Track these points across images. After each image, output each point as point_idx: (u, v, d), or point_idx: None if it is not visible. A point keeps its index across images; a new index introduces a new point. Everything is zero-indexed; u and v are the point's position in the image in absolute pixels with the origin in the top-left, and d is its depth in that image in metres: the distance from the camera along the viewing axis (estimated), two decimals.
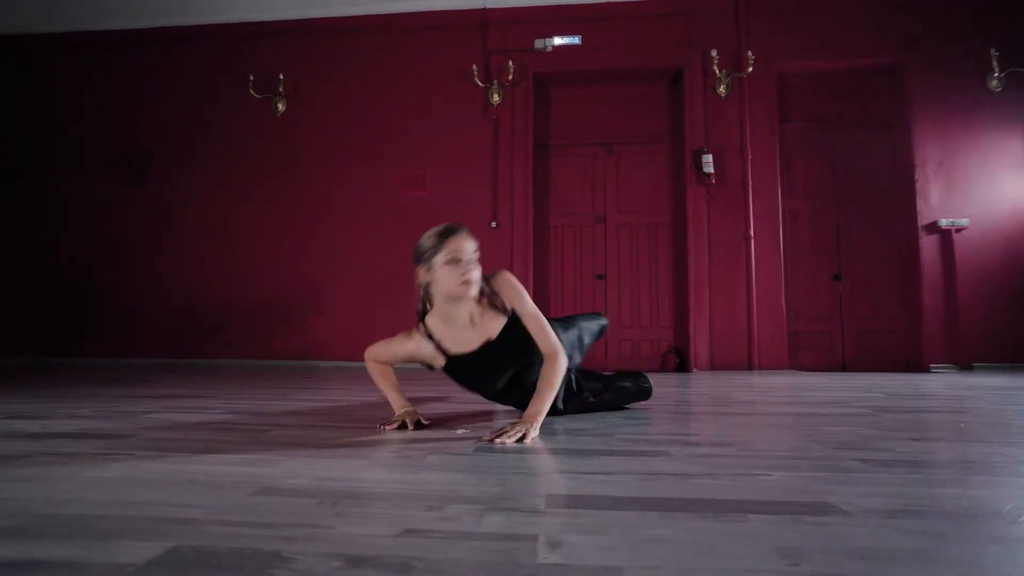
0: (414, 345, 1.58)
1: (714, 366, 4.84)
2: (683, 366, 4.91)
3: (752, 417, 1.76)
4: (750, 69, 4.96)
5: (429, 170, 5.31)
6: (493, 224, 5.16)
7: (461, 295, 1.46)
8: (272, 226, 5.33)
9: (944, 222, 4.73)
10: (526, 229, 5.14)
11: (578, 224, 5.34)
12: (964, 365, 4.60)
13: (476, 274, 1.44)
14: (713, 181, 4.94)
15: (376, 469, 1.04)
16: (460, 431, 1.43)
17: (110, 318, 5.36)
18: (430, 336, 1.56)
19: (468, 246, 1.47)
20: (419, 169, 5.31)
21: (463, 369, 1.56)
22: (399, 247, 5.21)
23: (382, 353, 1.65)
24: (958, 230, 4.73)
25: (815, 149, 5.15)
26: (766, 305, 4.86)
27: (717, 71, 5.01)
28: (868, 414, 1.79)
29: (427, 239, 1.49)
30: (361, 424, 1.59)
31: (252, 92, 5.34)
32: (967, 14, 4.94)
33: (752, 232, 4.92)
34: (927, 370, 4.60)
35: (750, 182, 4.96)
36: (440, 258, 1.44)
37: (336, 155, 5.38)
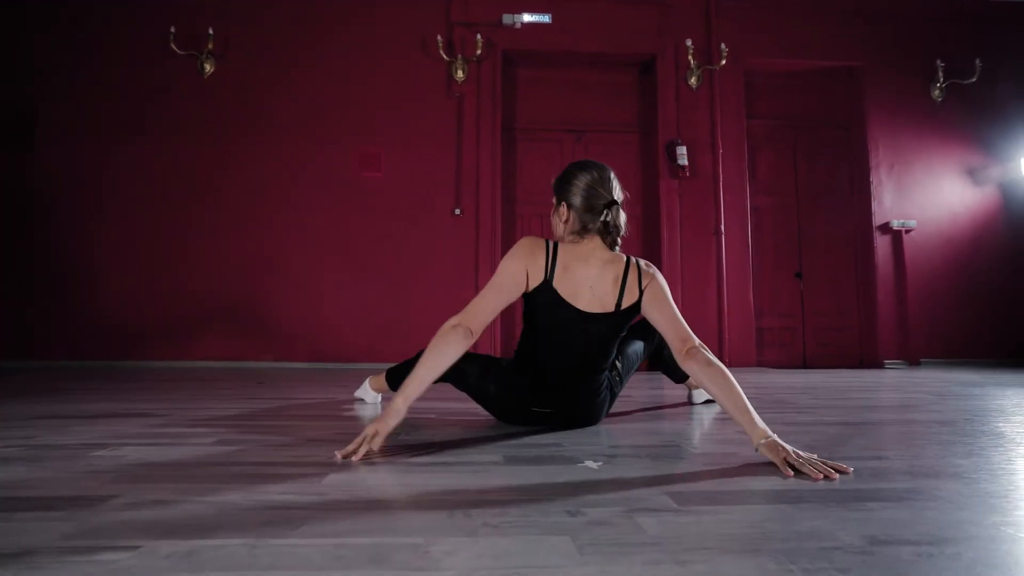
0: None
1: None
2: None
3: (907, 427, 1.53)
4: (723, 61, 4.88)
5: (386, 149, 4.77)
6: (457, 211, 4.73)
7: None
8: (193, 206, 4.54)
9: (895, 223, 4.92)
10: (493, 217, 4.76)
11: (546, 213, 5.03)
12: (913, 361, 4.81)
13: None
14: (687, 173, 4.82)
15: (602, 559, 0.65)
16: (590, 463, 1.06)
17: None
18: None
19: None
20: (375, 147, 4.76)
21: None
22: (351, 234, 4.64)
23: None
24: (907, 231, 4.94)
25: (779, 146, 5.19)
26: (735, 301, 4.82)
27: (691, 61, 4.89)
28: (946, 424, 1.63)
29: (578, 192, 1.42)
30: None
31: (173, 47, 4.53)
32: (918, 24, 5.17)
33: (723, 227, 4.86)
34: (881, 366, 4.77)
35: (720, 176, 4.89)
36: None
37: (275, 127, 4.68)
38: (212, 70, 4.62)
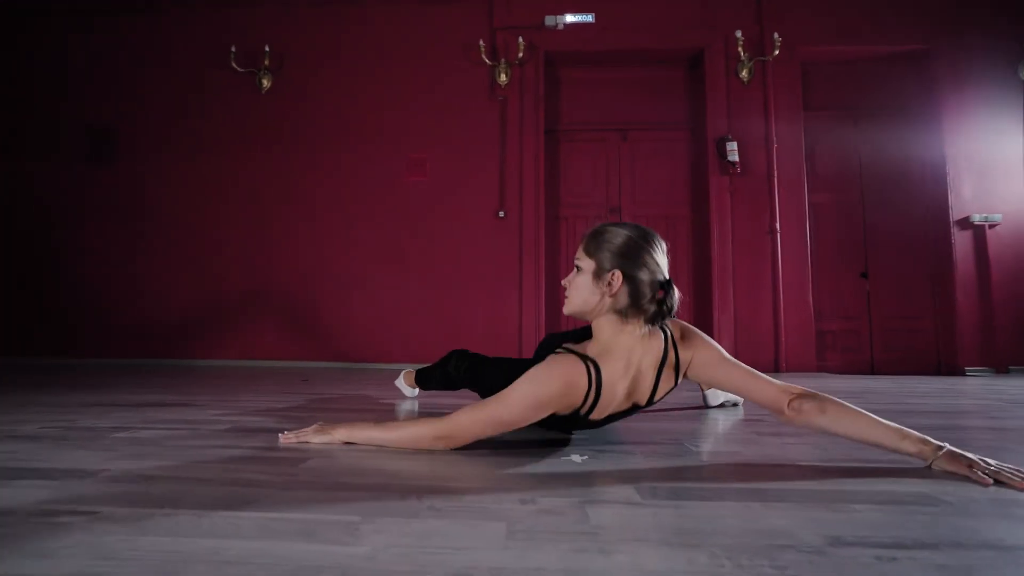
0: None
1: None
2: None
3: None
4: (776, 52, 4.65)
5: (430, 154, 4.87)
6: (500, 214, 4.76)
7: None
8: (255, 212, 4.83)
9: (977, 217, 4.50)
10: (536, 220, 4.75)
11: (591, 215, 4.98)
12: (1001, 368, 4.37)
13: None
14: (738, 170, 4.62)
15: (526, 545, 0.64)
16: (575, 457, 1.03)
17: (71, 313, 4.79)
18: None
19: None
20: (419, 152, 4.87)
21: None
22: (397, 236, 4.77)
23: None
24: (991, 226, 4.50)
25: (840, 139, 4.88)
26: (793, 303, 4.56)
27: (741, 53, 4.70)
28: None
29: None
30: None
31: (234, 65, 4.84)
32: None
33: (778, 226, 4.61)
34: (962, 373, 4.36)
35: (775, 173, 4.66)
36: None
37: (327, 136, 4.90)
38: (269, 85, 4.90)
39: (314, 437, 1.14)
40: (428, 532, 0.62)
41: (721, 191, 4.67)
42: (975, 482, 0.85)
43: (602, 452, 1.09)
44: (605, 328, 1.08)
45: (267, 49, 4.81)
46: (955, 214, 4.55)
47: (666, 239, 4.19)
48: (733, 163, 4.58)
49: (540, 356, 1.30)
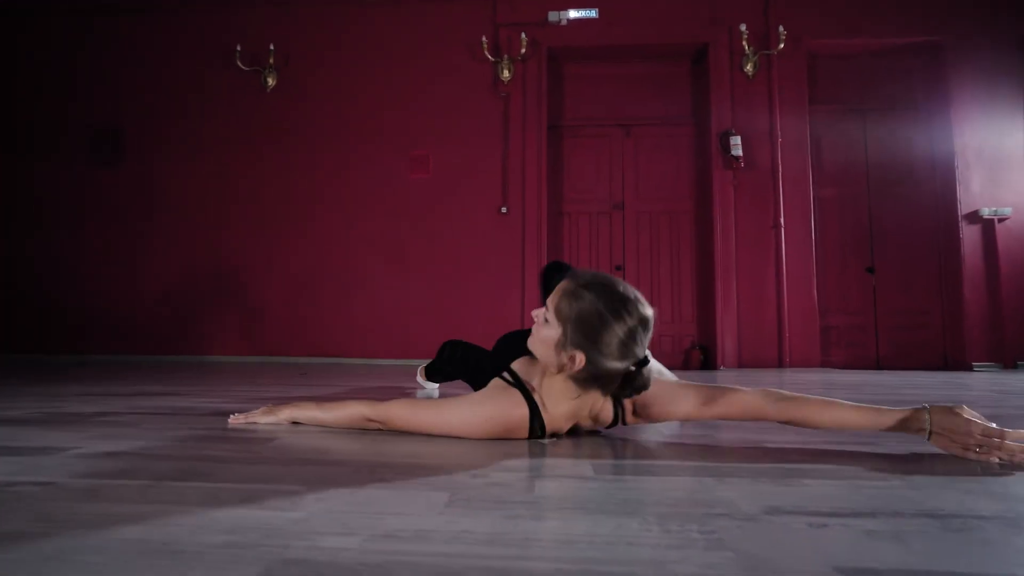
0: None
1: (742, 363, 4.49)
2: (708, 363, 4.56)
3: None
4: (781, 46, 4.61)
5: (433, 151, 4.89)
6: (503, 210, 4.77)
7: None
8: (260, 210, 4.88)
9: (986, 211, 4.42)
10: (539, 216, 4.75)
11: (594, 211, 4.97)
12: (1008, 364, 4.29)
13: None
14: (741, 164, 4.58)
15: (462, 512, 0.64)
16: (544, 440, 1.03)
17: (77, 310, 4.87)
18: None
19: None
20: (423, 149, 4.90)
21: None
22: (399, 233, 4.80)
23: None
24: (1000, 220, 4.42)
25: (846, 133, 4.82)
26: (797, 298, 4.52)
27: (746, 47, 4.66)
28: None
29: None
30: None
31: (239, 64, 4.89)
32: None
33: (782, 220, 4.57)
34: (969, 368, 4.29)
35: (780, 167, 4.62)
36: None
37: (332, 134, 4.94)
38: (274, 83, 4.95)
39: (262, 418, 1.17)
40: (368, 500, 0.62)
41: (724, 185, 4.64)
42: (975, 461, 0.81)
43: (579, 436, 1.09)
44: (558, 385, 0.98)
45: (272, 48, 4.85)
46: (963, 208, 4.48)
47: (669, 234, 4.14)
48: (737, 157, 4.55)
49: (498, 351, 1.32)
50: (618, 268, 4.88)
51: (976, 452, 0.83)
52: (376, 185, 4.87)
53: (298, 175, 4.90)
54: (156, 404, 1.53)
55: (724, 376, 3.72)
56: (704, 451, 0.95)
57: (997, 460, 0.82)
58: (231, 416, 1.20)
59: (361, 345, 4.72)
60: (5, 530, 0.52)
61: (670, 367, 4.68)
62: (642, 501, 0.63)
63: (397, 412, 1.04)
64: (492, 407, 0.99)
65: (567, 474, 0.76)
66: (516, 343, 1.23)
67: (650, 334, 0.95)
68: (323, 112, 4.97)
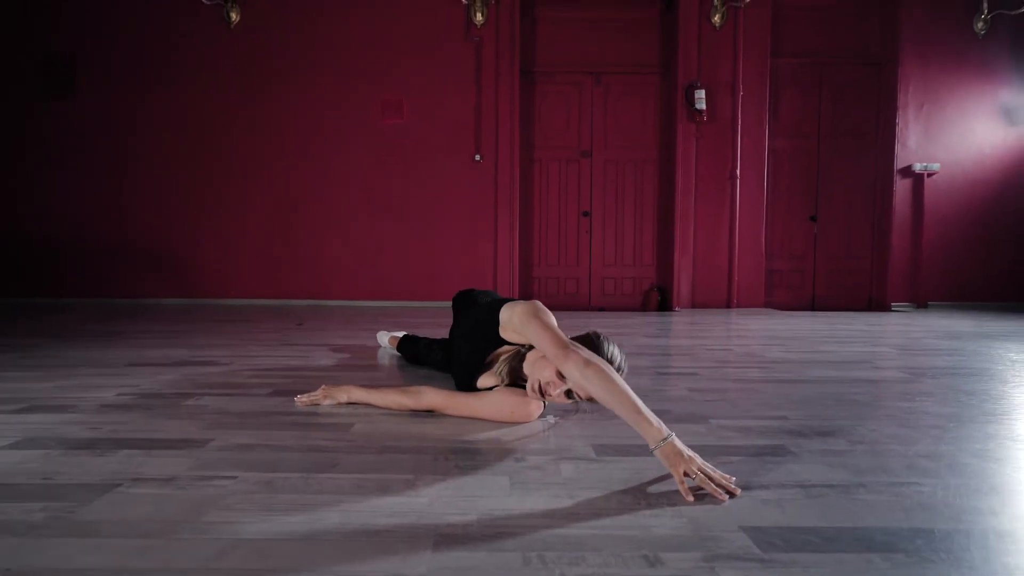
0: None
1: (695, 304, 4.99)
2: (665, 304, 5.04)
3: None
4: None
5: (407, 95, 4.93)
6: (477, 157, 4.93)
7: (526, 393, 1.30)
8: (221, 150, 4.87)
9: (918, 166, 4.89)
10: (511, 163, 4.94)
11: (563, 158, 5.19)
12: (920, 303, 4.94)
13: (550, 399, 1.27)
14: (704, 118, 4.85)
15: (523, 494, 1.00)
16: (550, 418, 1.40)
17: (28, 252, 4.85)
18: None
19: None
20: (395, 95, 4.92)
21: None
22: (375, 179, 4.92)
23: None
24: (930, 174, 4.91)
25: (804, 86, 5.11)
26: (747, 245, 4.98)
27: None
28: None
29: (581, 340, 1.26)
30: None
31: None
32: None
33: (739, 171, 4.93)
34: (888, 308, 4.93)
35: (739, 120, 4.90)
36: (554, 382, 1.21)
37: (300, 73, 4.88)
38: (237, 19, 4.79)
39: (323, 400, 1.50)
40: (460, 485, 0.97)
41: (687, 138, 4.92)
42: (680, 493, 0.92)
43: (568, 413, 1.46)
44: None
45: None
46: (899, 162, 4.94)
47: (634, 182, 4.53)
48: (700, 111, 4.80)
49: (457, 309, 1.82)
50: (585, 214, 5.19)
51: (685, 480, 0.94)
52: (348, 127, 4.91)
53: (265, 117, 4.88)
54: (217, 381, 1.81)
55: (679, 317, 4.20)
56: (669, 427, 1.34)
57: (691, 496, 0.92)
58: (297, 398, 1.51)
59: (339, 287, 4.97)
60: (214, 541, 0.85)
61: (630, 308, 5.12)
62: (630, 479, 1.00)
63: (436, 401, 1.42)
64: (514, 401, 1.34)
65: (575, 456, 1.13)
66: (472, 308, 1.69)
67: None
68: (290, 51, 4.87)
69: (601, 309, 5.07)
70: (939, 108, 4.93)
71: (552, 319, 1.26)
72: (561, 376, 1.18)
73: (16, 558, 0.73)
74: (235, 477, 1.00)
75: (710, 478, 0.94)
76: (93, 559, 0.73)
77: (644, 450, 1.17)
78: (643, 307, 5.12)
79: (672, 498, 0.93)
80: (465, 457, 1.12)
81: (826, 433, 1.30)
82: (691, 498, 0.91)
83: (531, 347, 1.31)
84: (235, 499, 0.91)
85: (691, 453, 0.98)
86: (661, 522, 0.84)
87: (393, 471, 1.04)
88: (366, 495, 0.93)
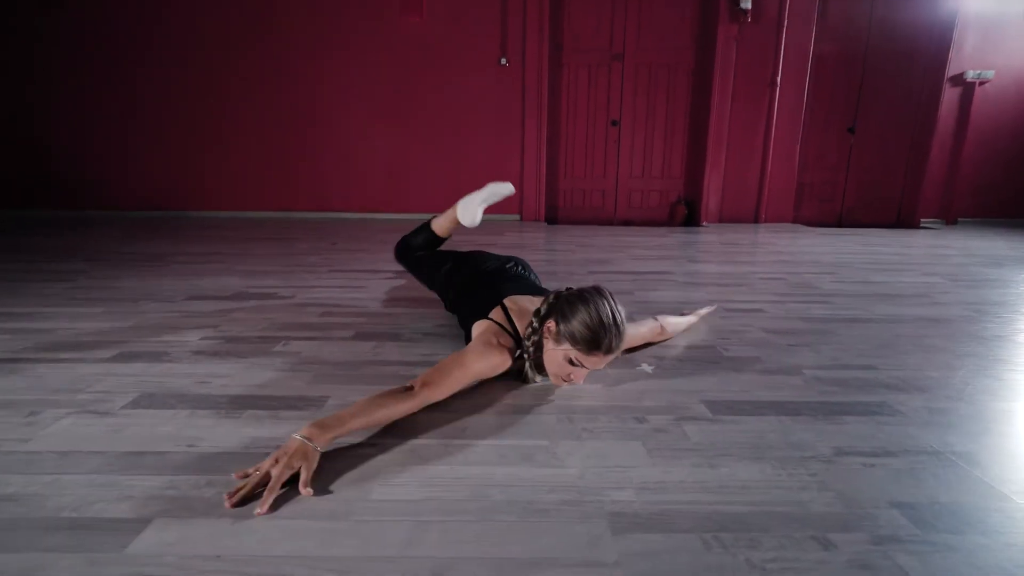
0: (498, 367, 1.25)
1: (722, 219, 4.93)
2: (692, 219, 4.98)
3: None
4: None
5: None
6: (503, 61, 4.61)
7: (551, 380, 1.29)
8: (229, 58, 4.54)
9: (971, 74, 4.62)
10: (539, 69, 4.64)
11: (594, 62, 4.86)
12: (950, 220, 4.89)
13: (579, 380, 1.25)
14: (748, 19, 4.49)
15: (663, 461, 1.04)
16: (645, 366, 1.42)
17: (46, 163, 4.70)
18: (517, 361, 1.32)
19: (601, 365, 1.22)
20: None
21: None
22: (395, 84, 4.63)
23: (460, 381, 1.19)
24: (982, 82, 4.66)
25: None
26: (780, 158, 4.83)
27: None
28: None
29: (580, 326, 1.18)
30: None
31: None
32: None
33: (779, 78, 4.65)
34: (917, 225, 4.88)
35: (785, 21, 4.54)
36: (573, 351, 1.19)
37: None
38: None
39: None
40: (602, 454, 1.00)
41: (728, 40, 4.59)
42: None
43: (661, 359, 1.48)
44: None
45: None
46: (951, 70, 4.66)
47: (666, 88, 4.40)
48: (745, 11, 4.44)
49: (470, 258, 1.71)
50: (614, 123, 4.97)
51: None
52: (368, 29, 4.53)
53: (281, 15, 4.49)
54: (292, 321, 1.81)
55: (709, 233, 4.16)
56: (764, 383, 1.36)
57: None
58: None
59: (360, 200, 4.86)
60: (405, 495, 0.88)
61: (656, 221, 5.06)
62: (757, 445, 1.04)
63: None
64: (495, 364, 1.24)
65: (694, 416, 1.16)
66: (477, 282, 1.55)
67: (608, 354, 1.20)
68: None
69: (627, 222, 5.00)
70: (1003, 9, 4.55)
71: (472, 368, 1.20)
72: (576, 364, 1.20)
73: (219, 543, 0.76)
74: (375, 444, 1.03)
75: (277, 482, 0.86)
76: (291, 546, 0.76)
77: (754, 407, 1.20)
78: (669, 220, 5.05)
79: (811, 467, 0.96)
80: (588, 418, 1.15)
81: (923, 388, 1.32)
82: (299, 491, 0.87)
83: (542, 319, 1.27)
84: (391, 472, 0.94)
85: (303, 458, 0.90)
86: (811, 497, 0.88)
87: (525, 436, 1.07)
88: (513, 465, 0.96)
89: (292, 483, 0.89)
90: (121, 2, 4.45)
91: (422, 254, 1.87)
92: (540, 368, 1.30)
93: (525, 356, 1.29)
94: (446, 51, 4.60)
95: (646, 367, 1.43)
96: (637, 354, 1.52)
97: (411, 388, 1.10)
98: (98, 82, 4.57)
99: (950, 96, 4.70)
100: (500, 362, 1.24)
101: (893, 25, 4.73)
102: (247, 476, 0.90)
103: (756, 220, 4.92)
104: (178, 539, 0.77)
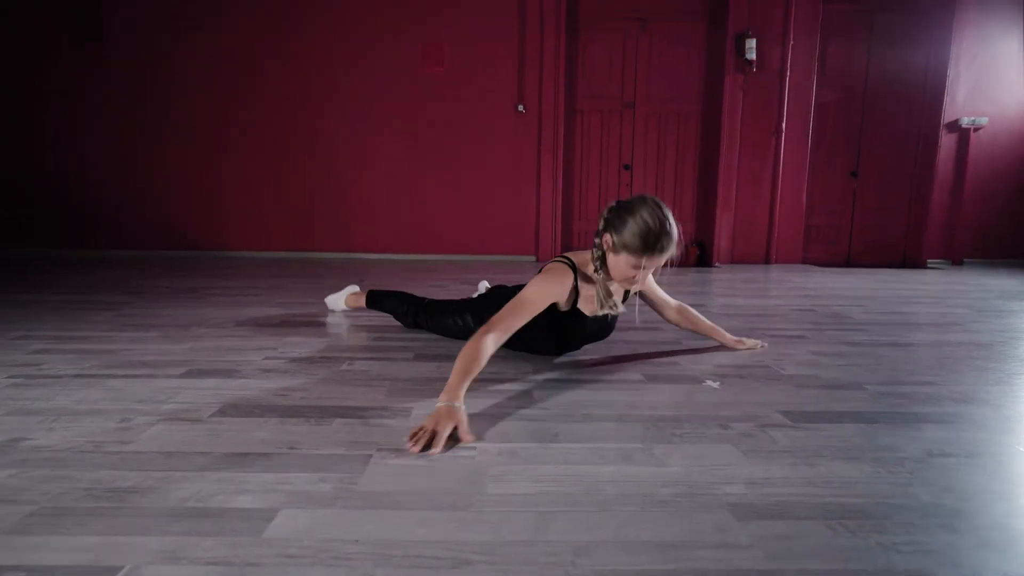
0: (560, 288, 1.45)
1: (734, 260, 5.03)
2: (704, 260, 5.07)
3: None
4: None
5: (448, 41, 4.75)
6: (520, 108, 4.81)
7: (619, 286, 1.51)
8: (253, 94, 4.72)
9: (965, 120, 4.84)
10: (555, 115, 4.84)
11: (606, 109, 5.07)
12: (956, 261, 5.01)
13: (646, 279, 1.49)
14: (753, 69, 4.73)
15: (760, 462, 1.06)
16: (711, 382, 1.45)
17: (49, 200, 4.76)
18: (577, 283, 1.50)
19: (660, 263, 1.40)
20: (436, 39, 4.74)
21: (578, 325, 1.56)
22: (414, 128, 4.81)
23: (523, 311, 1.36)
24: (976, 129, 4.87)
25: (853, 34, 4.97)
26: (789, 200, 4.97)
27: None
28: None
29: (631, 236, 1.36)
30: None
31: None
32: None
33: (784, 125, 4.86)
34: (923, 265, 4.99)
35: (788, 71, 4.79)
36: (631, 258, 1.38)
37: (340, 21, 4.67)
38: None
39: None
40: (696, 454, 1.02)
41: (735, 90, 4.81)
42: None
43: (724, 377, 1.51)
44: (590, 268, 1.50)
45: None
46: (947, 116, 4.88)
47: (676, 135, 4.54)
48: (750, 61, 4.68)
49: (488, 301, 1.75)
50: (626, 167, 5.14)
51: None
52: (387, 73, 4.74)
53: (305, 60, 4.70)
54: (353, 344, 1.84)
55: (723, 273, 4.24)
56: (830, 396, 1.39)
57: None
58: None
59: (383, 241, 4.94)
60: (442, 485, 0.89)
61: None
62: (847, 448, 1.06)
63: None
64: (555, 280, 1.44)
65: (776, 423, 1.18)
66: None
67: (663, 253, 1.40)
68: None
69: None
70: (993, 59, 4.83)
71: (533, 288, 1.42)
72: (637, 268, 1.40)
73: (354, 529, 0.77)
74: (474, 447, 1.04)
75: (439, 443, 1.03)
76: (425, 531, 0.77)
77: (832, 416, 1.22)
78: (682, 261, 5.14)
79: (907, 466, 0.98)
80: (673, 425, 1.17)
81: (987, 401, 1.35)
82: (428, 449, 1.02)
83: (600, 235, 1.44)
84: (498, 470, 0.95)
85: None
86: (919, 490, 0.90)
87: (618, 440, 1.08)
88: (616, 464, 0.98)
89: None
90: (149, 47, 4.64)
91: (423, 316, 1.94)
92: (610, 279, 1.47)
93: (596, 272, 1.46)
94: (466, 99, 4.80)
95: (711, 383, 1.45)
96: (700, 372, 1.55)
97: (485, 332, 1.27)
98: (114, 116, 4.72)
99: (948, 141, 4.91)
100: (560, 280, 1.44)
101: (888, 74, 4.98)
102: (415, 436, 1.05)
103: (767, 261, 5.02)
104: (311, 526, 0.78)
